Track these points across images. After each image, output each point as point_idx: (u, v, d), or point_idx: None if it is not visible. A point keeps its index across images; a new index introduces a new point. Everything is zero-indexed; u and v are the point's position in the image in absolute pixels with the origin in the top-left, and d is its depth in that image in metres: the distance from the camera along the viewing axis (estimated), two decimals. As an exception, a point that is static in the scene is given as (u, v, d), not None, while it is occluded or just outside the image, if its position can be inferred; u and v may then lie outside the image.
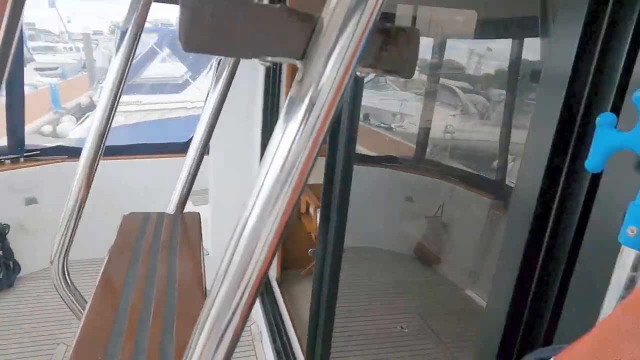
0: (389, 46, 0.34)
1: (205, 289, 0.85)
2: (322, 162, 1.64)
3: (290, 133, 0.32)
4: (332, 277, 1.69)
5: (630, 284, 0.49)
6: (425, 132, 4.29)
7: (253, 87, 2.87)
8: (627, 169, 0.55)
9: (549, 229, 0.66)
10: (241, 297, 0.38)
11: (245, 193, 0.37)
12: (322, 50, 0.30)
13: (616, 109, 0.59)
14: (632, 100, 0.50)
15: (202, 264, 0.88)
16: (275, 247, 0.38)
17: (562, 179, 0.65)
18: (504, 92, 3.96)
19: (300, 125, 0.32)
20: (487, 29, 3.69)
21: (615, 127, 0.53)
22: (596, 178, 0.60)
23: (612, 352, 0.38)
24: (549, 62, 0.66)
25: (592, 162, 0.55)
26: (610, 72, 0.60)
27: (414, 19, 3.71)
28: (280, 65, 2.68)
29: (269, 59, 0.32)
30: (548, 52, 0.68)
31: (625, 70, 0.58)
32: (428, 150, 4.41)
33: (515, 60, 3.44)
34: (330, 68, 0.31)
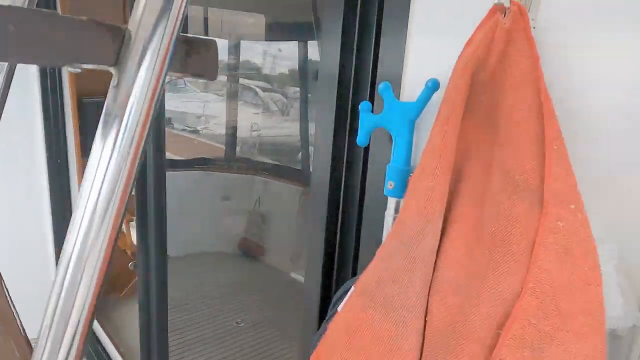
0: (192, 53, 0.41)
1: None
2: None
3: (110, 141, 0.36)
4: (160, 289, 1.63)
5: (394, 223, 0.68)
6: (232, 132, 4.41)
7: (25, 88, 2.44)
8: (383, 140, 0.74)
9: (342, 192, 0.83)
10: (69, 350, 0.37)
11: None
12: (134, 57, 0.35)
13: (371, 98, 0.78)
14: (378, 90, 0.68)
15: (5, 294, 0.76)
16: (102, 281, 0.38)
17: (345, 154, 0.83)
18: (297, 89, 4.39)
19: (119, 132, 0.36)
20: (275, 32, 4.03)
21: (372, 111, 0.72)
22: (367, 150, 0.79)
23: (384, 265, 0.54)
24: (322, 63, 0.83)
25: (360, 139, 0.73)
26: (364, 69, 0.79)
27: (206, 20, 3.76)
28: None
29: (83, 66, 0.35)
30: (321, 54, 0.85)
31: (374, 68, 0.78)
32: (238, 149, 4.55)
33: (303, 61, 3.85)
34: (144, 72, 0.35)
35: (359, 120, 0.71)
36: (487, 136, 0.53)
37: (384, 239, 0.71)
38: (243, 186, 4.26)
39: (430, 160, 0.53)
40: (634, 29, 0.48)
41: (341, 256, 0.88)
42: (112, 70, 0.36)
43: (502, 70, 0.52)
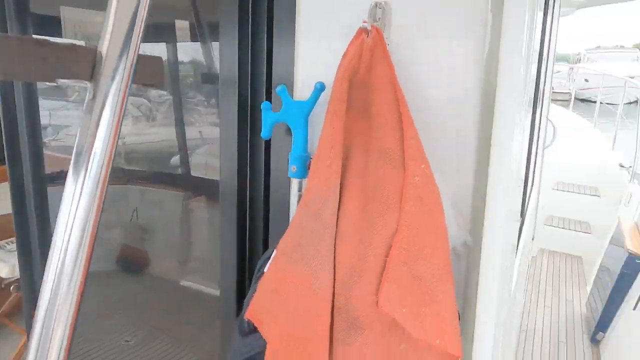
0: (145, 67, 0.51)
1: None
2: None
3: (93, 127, 0.45)
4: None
5: (300, 199, 0.84)
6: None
7: None
8: (283, 133, 0.90)
9: (248, 180, 0.97)
10: None
11: None
12: (106, 73, 0.44)
13: (268, 98, 0.93)
14: (276, 92, 0.83)
15: None
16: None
17: (248, 147, 0.96)
18: (164, 93, 4.26)
19: (99, 128, 0.45)
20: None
21: (272, 109, 0.87)
22: (269, 142, 0.94)
23: (298, 230, 0.69)
24: (222, 69, 0.95)
25: (264, 133, 0.87)
26: (260, 74, 0.93)
27: (59, 20, 3.44)
28: None
29: (63, 81, 0.43)
30: (220, 61, 0.96)
31: (269, 72, 0.93)
32: (105, 159, 4.24)
33: (174, 63, 3.77)
34: (115, 84, 0.45)
35: (262, 118, 0.86)
36: (364, 124, 0.73)
37: (290, 214, 0.86)
38: (117, 198, 4.00)
39: (325, 146, 0.70)
40: (445, 43, 0.72)
41: (252, 235, 1.01)
42: (88, 84, 0.45)
43: (370, 76, 0.71)
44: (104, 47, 0.44)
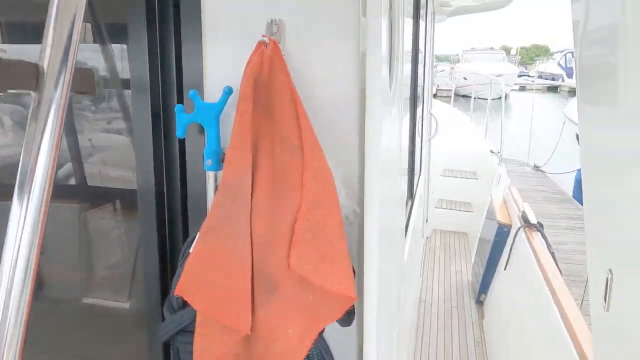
0: (79, 76, 0.60)
1: None
2: None
3: (38, 133, 0.53)
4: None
5: (217, 188, 0.96)
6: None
7: None
8: (196, 132, 1.01)
9: (164, 176, 1.06)
10: None
11: None
12: (49, 83, 0.53)
13: (180, 101, 1.03)
14: (189, 96, 0.94)
15: None
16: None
17: (163, 146, 1.05)
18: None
19: (45, 131, 0.54)
20: (14, 33, 3.54)
21: (184, 111, 0.97)
22: (183, 140, 1.04)
23: (219, 211, 0.82)
24: (134, 75, 1.02)
25: (179, 132, 0.97)
26: (171, 80, 1.03)
27: None
28: None
29: (11, 91, 0.51)
30: (131, 68, 1.03)
31: (179, 78, 1.03)
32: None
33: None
34: (57, 93, 0.54)
35: (176, 119, 0.96)
36: (268, 120, 0.87)
37: (208, 204, 0.98)
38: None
39: (237, 138, 0.84)
40: (328, 49, 0.90)
41: (172, 229, 1.10)
42: (33, 93, 0.53)
43: (270, 80, 0.86)
44: (45, 61, 0.53)
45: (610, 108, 0.88)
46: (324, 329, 0.88)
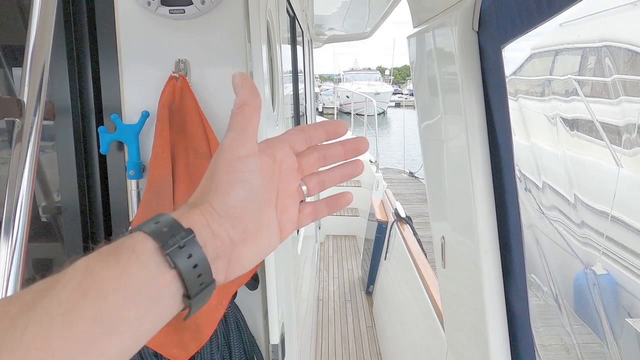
0: (46, 105, 0.80)
1: None
2: None
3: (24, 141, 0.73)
4: None
5: (140, 193, 1.18)
6: None
7: None
8: (117, 149, 1.21)
9: (87, 188, 1.23)
10: None
11: None
12: (29, 111, 0.74)
13: (100, 123, 1.22)
14: (110, 119, 1.15)
15: None
16: None
17: (84, 163, 1.23)
18: None
19: (29, 144, 0.74)
20: None
21: (108, 132, 1.17)
22: (104, 156, 1.23)
23: (149, 208, 1.05)
24: (56, 101, 1.19)
25: (103, 149, 1.17)
26: (90, 104, 1.22)
27: None
28: None
29: (5, 118, 0.71)
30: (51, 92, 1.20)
31: (98, 104, 1.22)
32: None
33: None
34: (36, 118, 0.75)
35: (100, 138, 1.16)
36: (182, 135, 1.13)
37: (130, 210, 1.19)
38: None
39: (159, 150, 1.08)
40: (224, 77, 1.19)
41: (93, 234, 1.27)
42: (17, 120, 0.74)
43: (182, 105, 1.12)
44: (25, 95, 0.74)
45: (434, 132, 1.30)
46: (236, 293, 1.15)
